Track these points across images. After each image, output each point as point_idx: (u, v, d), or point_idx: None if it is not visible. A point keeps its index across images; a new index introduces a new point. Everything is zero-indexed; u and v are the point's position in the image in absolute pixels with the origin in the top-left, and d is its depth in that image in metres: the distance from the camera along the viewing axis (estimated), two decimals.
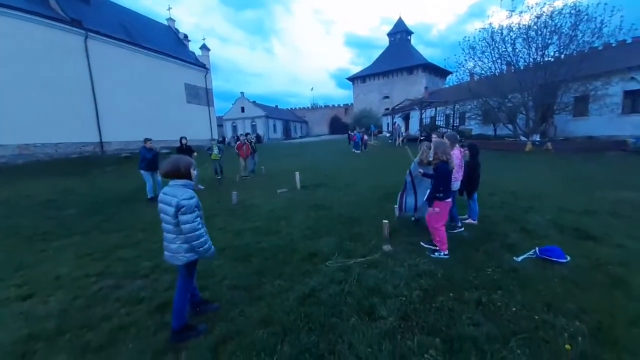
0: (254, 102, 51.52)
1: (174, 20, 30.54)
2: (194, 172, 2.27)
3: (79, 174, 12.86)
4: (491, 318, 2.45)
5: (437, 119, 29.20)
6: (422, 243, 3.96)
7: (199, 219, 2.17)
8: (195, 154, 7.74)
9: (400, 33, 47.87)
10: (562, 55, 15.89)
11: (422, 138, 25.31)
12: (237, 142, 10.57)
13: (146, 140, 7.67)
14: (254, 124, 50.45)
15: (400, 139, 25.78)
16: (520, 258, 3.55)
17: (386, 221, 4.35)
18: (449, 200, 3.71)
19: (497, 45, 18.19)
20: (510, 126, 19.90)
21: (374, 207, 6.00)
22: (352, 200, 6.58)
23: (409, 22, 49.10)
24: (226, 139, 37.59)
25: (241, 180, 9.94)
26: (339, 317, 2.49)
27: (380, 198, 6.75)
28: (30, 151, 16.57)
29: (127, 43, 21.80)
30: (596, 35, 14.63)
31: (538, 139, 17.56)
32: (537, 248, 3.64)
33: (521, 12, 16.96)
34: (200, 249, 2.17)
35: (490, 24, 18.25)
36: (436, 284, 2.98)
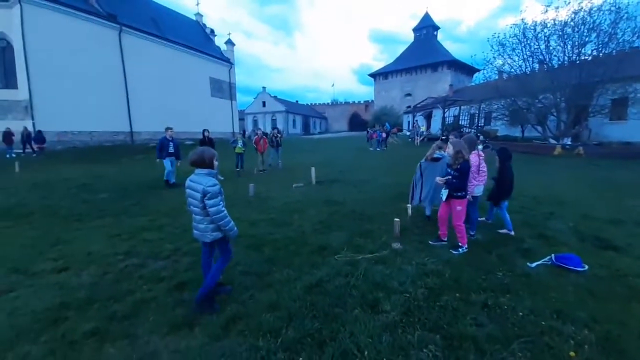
0: (275, 97, 52.15)
1: (202, 15, 31.40)
2: (215, 163, 2.55)
3: (111, 161, 13.71)
4: (496, 320, 2.45)
5: (461, 118, 28.28)
6: (430, 242, 4.00)
7: (222, 202, 2.46)
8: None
9: (426, 28, 46.44)
10: (601, 54, 14.86)
11: (443, 138, 24.68)
12: (255, 137, 10.85)
13: (167, 129, 7.99)
14: (274, 118, 51.13)
15: (419, 138, 25.19)
16: (534, 264, 3.47)
17: (397, 219, 4.38)
18: (467, 197, 3.78)
19: (529, 42, 17.29)
20: (539, 128, 18.92)
21: (386, 205, 6.02)
22: (366, 198, 6.62)
23: (436, 17, 47.42)
24: (246, 133, 38.45)
25: (258, 174, 10.21)
26: (342, 307, 2.59)
27: (393, 197, 6.74)
28: (68, 138, 17.85)
29: (157, 37, 22.75)
30: (637, 35, 13.56)
31: (569, 143, 16.59)
32: (553, 255, 3.54)
33: (557, 8, 15.96)
34: (225, 228, 2.47)
35: (522, 19, 17.22)
36: (443, 284, 2.99)
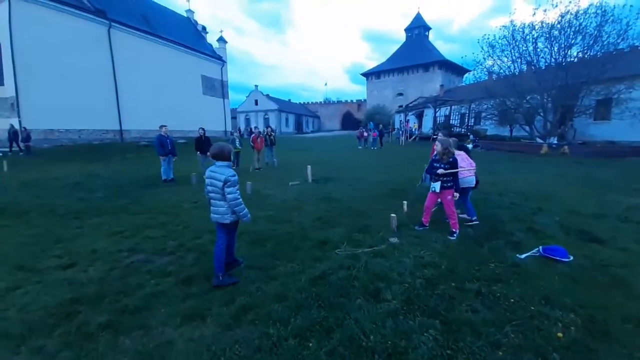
0: (267, 96, 51.92)
1: (193, 12, 30.99)
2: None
3: (101, 160, 13.50)
4: (489, 307, 2.62)
5: (451, 117, 28.82)
6: (415, 228, 4.47)
7: (239, 191, 2.87)
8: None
9: (417, 28, 47.00)
10: (586, 56, 15.42)
11: (434, 137, 25.14)
12: (252, 135, 10.88)
13: (162, 126, 8.05)
14: (266, 117, 50.91)
15: (404, 137, 25.39)
16: (523, 256, 3.67)
17: (394, 215, 4.54)
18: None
19: (517, 44, 17.78)
20: (527, 128, 19.50)
21: (381, 202, 6.19)
22: (361, 195, 6.77)
23: (428, 18, 48.02)
24: (241, 130, 38.33)
25: (254, 172, 10.25)
26: (346, 297, 2.72)
27: (387, 194, 6.93)
28: (54, 136, 17.43)
29: (148, 34, 22.38)
30: (622, 37, 14.14)
31: (555, 142, 17.16)
32: (541, 247, 3.75)
33: (545, 10, 16.47)
34: (241, 213, 2.86)
35: (511, 21, 17.70)
36: (439, 274, 3.16)
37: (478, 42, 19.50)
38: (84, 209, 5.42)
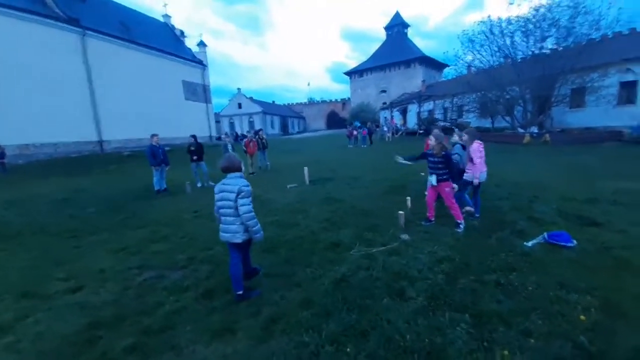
0: (250, 98, 51.28)
1: (170, 17, 30.20)
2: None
3: (83, 174, 12.90)
4: (510, 296, 2.69)
5: (435, 112, 29.47)
6: (422, 223, 4.56)
7: (251, 204, 2.68)
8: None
9: (397, 26, 47.69)
10: (560, 48, 16.13)
11: (420, 132, 25.64)
12: (245, 139, 10.72)
13: (153, 135, 7.81)
14: (251, 120, 50.29)
15: (390, 133, 25.70)
16: (530, 243, 3.80)
17: (401, 212, 4.59)
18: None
19: (495, 38, 18.37)
20: (508, 118, 20.21)
21: (383, 200, 6.26)
22: (362, 194, 6.81)
23: (405, 15, 48.93)
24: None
25: (249, 177, 10.10)
26: (371, 298, 2.72)
27: (387, 191, 7.00)
28: (30, 151, 16.53)
29: (125, 41, 21.61)
30: (594, 28, 14.86)
31: (535, 131, 17.88)
32: (545, 233, 3.90)
33: (519, 5, 17.11)
34: (254, 228, 2.66)
35: (489, 16, 18.30)
36: (456, 268, 3.22)
37: (458, 38, 20.07)
38: (79, 226, 5.16)
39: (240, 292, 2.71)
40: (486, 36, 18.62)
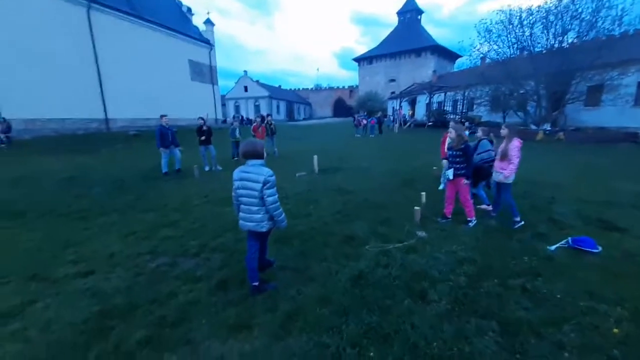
0: (257, 82, 50.46)
1: None
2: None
3: (89, 151, 12.80)
4: (539, 304, 2.57)
5: (445, 104, 28.80)
6: (438, 220, 4.45)
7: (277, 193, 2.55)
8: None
9: (410, 12, 46.04)
10: (579, 42, 15.46)
11: (430, 124, 25.17)
12: (254, 124, 10.49)
13: (162, 116, 7.63)
14: (257, 104, 49.68)
15: (397, 124, 25.25)
16: (554, 247, 3.66)
17: (417, 208, 4.45)
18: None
19: (514, 28, 17.63)
20: (520, 114, 19.69)
21: (396, 193, 6.11)
22: (374, 186, 6.65)
23: (419, 1, 46.96)
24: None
25: None
26: (392, 299, 2.61)
27: (400, 184, 6.84)
28: (36, 126, 16.39)
29: (131, 15, 20.99)
30: (617, 23, 14.17)
31: (548, 128, 17.44)
32: (569, 238, 3.75)
33: None
34: (279, 218, 2.55)
35: (509, 5, 17.51)
36: (479, 270, 3.09)
37: (475, 27, 19.19)
38: (87, 207, 5.07)
39: (256, 284, 2.62)
40: (504, 26, 17.87)
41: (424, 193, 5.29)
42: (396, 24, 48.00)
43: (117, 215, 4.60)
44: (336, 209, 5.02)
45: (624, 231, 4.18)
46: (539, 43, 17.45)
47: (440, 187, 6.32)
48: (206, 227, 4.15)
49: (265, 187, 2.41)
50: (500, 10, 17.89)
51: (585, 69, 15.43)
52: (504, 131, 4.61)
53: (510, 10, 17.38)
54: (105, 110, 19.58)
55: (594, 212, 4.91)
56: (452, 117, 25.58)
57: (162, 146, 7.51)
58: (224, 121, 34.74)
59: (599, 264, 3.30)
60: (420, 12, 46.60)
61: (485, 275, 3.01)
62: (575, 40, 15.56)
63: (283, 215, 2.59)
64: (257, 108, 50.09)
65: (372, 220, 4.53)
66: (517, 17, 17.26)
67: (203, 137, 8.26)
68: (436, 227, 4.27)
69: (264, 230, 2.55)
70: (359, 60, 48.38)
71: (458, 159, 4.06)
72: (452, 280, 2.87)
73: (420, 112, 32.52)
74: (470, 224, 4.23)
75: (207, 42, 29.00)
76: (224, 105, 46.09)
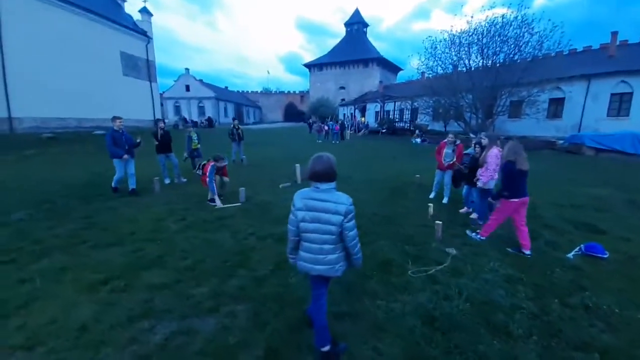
0: (201, 81, 46.72)
1: None
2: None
3: None
4: (608, 323, 2.50)
5: (392, 113, 30.69)
6: (467, 232, 4.32)
7: None
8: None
9: (357, 24, 48.27)
10: (509, 62, 17.99)
11: (383, 131, 26.44)
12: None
13: (115, 118, 6.04)
14: (201, 105, 45.95)
15: (351, 130, 25.97)
16: (571, 255, 3.80)
17: (439, 222, 4.24)
18: (514, 200, 3.75)
19: (456, 47, 19.67)
20: (461, 123, 22.02)
21: (393, 204, 5.93)
22: (368, 197, 6.35)
23: (364, 14, 49.69)
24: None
25: None
26: (481, 342, 2.23)
27: (390, 194, 6.71)
28: None
29: None
30: (537, 48, 16.87)
31: (483, 137, 19.82)
32: (582, 245, 3.94)
33: (471, 18, 18.55)
34: (357, 256, 2.00)
35: (451, 26, 19.52)
36: (532, 290, 2.95)
37: (422, 43, 20.85)
38: (9, 242, 3.54)
39: (328, 349, 1.96)
40: (447, 45, 19.83)
41: (431, 205, 5.18)
42: (342, 34, 49.87)
43: (63, 254, 3.27)
44: None
45: (607, 234, 4.59)
46: (474, 62, 19.82)
47: (431, 195, 6.33)
48: (205, 264, 3.22)
49: (346, 220, 1.82)
50: (444, 30, 19.82)
51: (512, 86, 17.99)
52: (484, 141, 4.87)
53: (451, 32, 19.41)
54: (8, 107, 15.50)
55: (574, 215, 5.39)
56: (401, 125, 27.39)
57: (115, 156, 5.92)
58: (155, 123, 31.03)
59: (615, 269, 3.48)
60: (366, 25, 49.24)
61: (543, 295, 2.87)
62: (506, 61, 18.00)
63: (361, 252, 2.02)
64: (201, 109, 46.31)
65: (392, 238, 4.17)
66: (458, 38, 19.31)
67: (163, 147, 6.87)
68: (459, 241, 4.12)
69: (339, 274, 1.97)
70: (309, 66, 48.67)
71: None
72: (522, 307, 2.64)
73: (370, 120, 34.10)
74: (473, 234, 4.22)
75: (143, 34, 25.57)
76: (161, 105, 41.43)
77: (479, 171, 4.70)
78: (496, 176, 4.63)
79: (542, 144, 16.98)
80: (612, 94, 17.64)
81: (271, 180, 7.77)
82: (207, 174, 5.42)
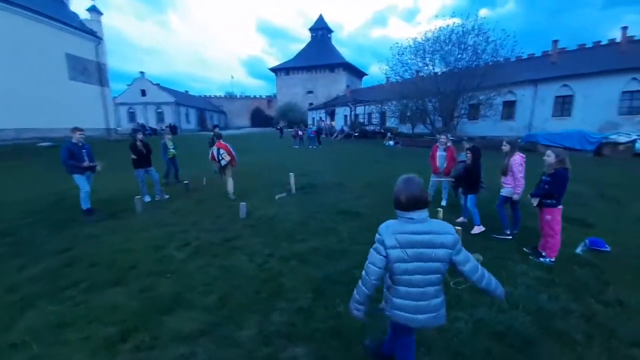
0: (158, 85, 43.71)
1: None
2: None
3: None
4: None
5: (364, 117, 31.50)
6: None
7: None
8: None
9: (322, 30, 48.95)
10: (469, 68, 19.46)
11: (356, 134, 26.90)
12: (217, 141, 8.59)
13: (75, 129, 5.25)
14: (159, 110, 42.95)
15: (323, 135, 26.12)
16: (579, 250, 4.05)
17: (459, 228, 4.24)
18: (561, 207, 3.77)
19: (421, 54, 20.79)
20: (429, 125, 23.28)
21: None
22: (371, 203, 6.26)
23: (326, 19, 50.51)
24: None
25: (209, 183, 8.16)
26: (555, 354, 2.20)
27: (389, 201, 6.67)
28: None
29: None
30: (493, 56, 18.49)
31: (451, 138, 21.16)
32: (587, 240, 4.21)
33: (428, 30, 19.85)
34: (494, 287, 1.64)
35: (416, 35, 20.64)
36: (569, 292, 3.04)
37: (390, 49, 21.71)
38: None
39: None
40: (414, 52, 20.89)
41: (440, 210, 5.21)
42: (304, 38, 50.56)
43: (51, 303, 2.60)
44: (368, 239, 4.34)
45: (595, 227, 5.00)
46: (439, 68, 21.14)
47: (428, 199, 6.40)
48: (234, 297, 2.81)
49: (454, 252, 1.55)
50: (410, 38, 20.87)
51: (472, 90, 19.47)
52: (505, 147, 4.88)
53: (415, 39, 20.50)
54: None
55: (563, 211, 5.80)
56: (372, 128, 28.17)
57: (75, 171, 5.13)
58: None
59: (621, 262, 3.75)
60: (330, 30, 50.12)
61: (580, 296, 2.97)
62: (466, 67, 19.42)
63: (495, 279, 1.67)
64: (159, 115, 43.28)
65: None
66: (422, 45, 20.43)
67: (141, 160, 6.13)
68: (478, 246, 4.17)
69: (442, 321, 1.67)
70: (276, 70, 48.13)
71: (547, 186, 3.67)
72: (574, 310, 2.69)
73: (339, 124, 34.62)
74: (541, 259, 3.75)
75: (92, 34, 23.17)
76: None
77: (503, 179, 4.55)
78: (522, 182, 4.49)
79: (499, 143, 18.46)
80: (556, 97, 19.92)
81: (266, 191, 7.35)
82: (230, 149, 6.72)
